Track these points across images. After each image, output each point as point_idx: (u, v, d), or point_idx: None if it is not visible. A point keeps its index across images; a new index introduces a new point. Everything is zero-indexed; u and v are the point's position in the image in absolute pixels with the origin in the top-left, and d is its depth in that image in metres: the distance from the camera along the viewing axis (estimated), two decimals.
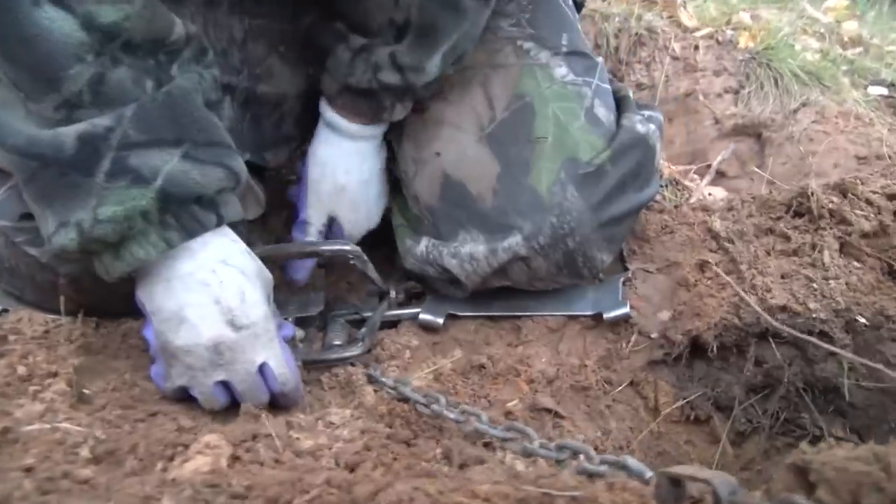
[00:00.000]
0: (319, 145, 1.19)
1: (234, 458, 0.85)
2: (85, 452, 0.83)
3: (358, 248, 1.14)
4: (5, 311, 1.12)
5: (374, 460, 0.92)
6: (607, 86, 1.17)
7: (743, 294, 0.92)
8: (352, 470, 0.91)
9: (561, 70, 1.12)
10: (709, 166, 1.53)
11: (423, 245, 1.15)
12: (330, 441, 0.94)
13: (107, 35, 0.85)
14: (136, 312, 0.99)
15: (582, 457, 0.75)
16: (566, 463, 0.77)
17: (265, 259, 1.13)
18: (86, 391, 1.03)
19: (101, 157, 0.84)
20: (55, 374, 0.98)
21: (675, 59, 2.04)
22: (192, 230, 0.91)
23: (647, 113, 1.18)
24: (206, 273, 0.93)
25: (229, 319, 0.93)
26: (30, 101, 0.86)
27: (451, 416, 0.93)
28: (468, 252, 1.09)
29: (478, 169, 1.10)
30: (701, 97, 1.92)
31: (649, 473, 0.68)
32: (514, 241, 1.06)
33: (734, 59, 1.93)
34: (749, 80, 1.86)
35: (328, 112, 1.15)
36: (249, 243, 1.28)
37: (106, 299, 1.05)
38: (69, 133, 0.84)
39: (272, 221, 1.38)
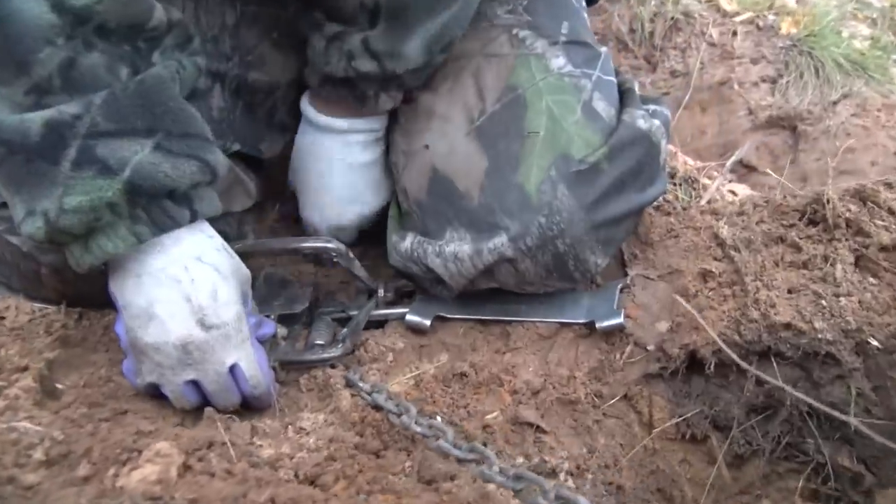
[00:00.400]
0: (303, 143, 1.17)
1: (186, 468, 0.82)
2: (38, 455, 0.81)
3: (342, 246, 1.10)
4: None
5: (336, 472, 0.88)
6: (611, 78, 1.09)
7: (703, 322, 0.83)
8: (311, 482, 0.87)
9: (558, 61, 1.05)
10: (730, 162, 1.43)
11: (409, 242, 1.10)
12: (293, 450, 0.91)
13: (78, 18, 0.82)
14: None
15: (536, 489, 0.69)
16: (523, 493, 0.72)
17: (245, 255, 1.10)
18: (59, 385, 1.02)
19: (66, 145, 0.82)
20: (25, 369, 0.97)
21: (711, 45, 1.95)
22: (163, 225, 0.88)
23: (651, 107, 1.10)
24: (178, 269, 0.90)
25: (199, 318, 0.90)
26: (1, 86, 0.83)
27: (418, 430, 0.88)
28: (453, 251, 1.04)
29: (466, 164, 1.04)
30: (736, 86, 1.82)
31: None
32: (500, 242, 1.00)
33: (774, 46, 1.82)
34: (788, 68, 1.75)
35: (309, 110, 1.14)
36: (241, 235, 1.26)
37: (89, 290, 1.03)
38: (35, 119, 0.81)
39: (268, 213, 1.35)
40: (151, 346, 0.90)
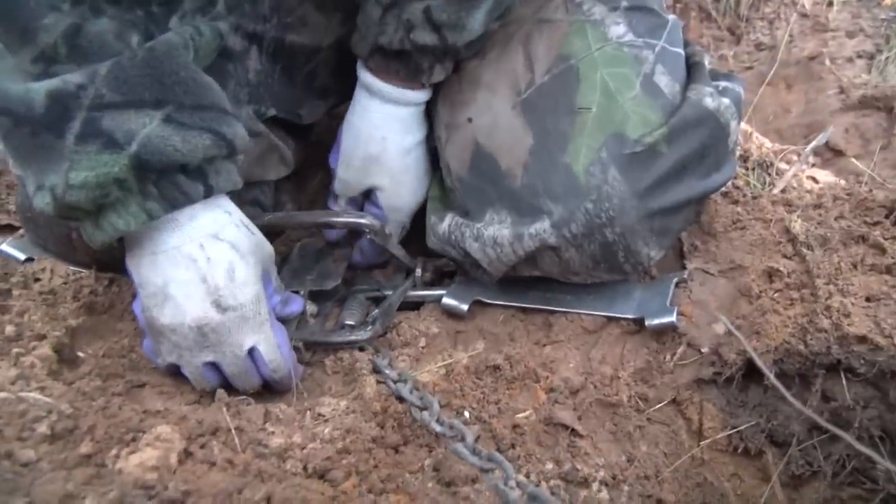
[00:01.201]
0: (354, 112, 1.07)
1: (187, 454, 0.78)
2: (42, 429, 0.79)
3: (377, 222, 1.03)
4: (30, 259, 1.09)
5: (349, 467, 0.83)
6: (678, 49, 0.98)
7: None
8: (320, 477, 0.82)
9: (618, 28, 0.94)
10: (811, 146, 1.30)
11: (447, 223, 1.02)
12: (305, 440, 0.86)
13: None
14: None
15: None
16: None
17: (275, 227, 1.05)
18: (79, 354, 0.99)
19: (71, 117, 0.77)
20: (44, 336, 0.95)
21: (803, 16, 1.79)
22: (176, 201, 0.83)
23: (722, 84, 0.99)
24: (194, 248, 0.86)
25: (215, 300, 0.86)
26: (10, 54, 0.80)
27: (438, 429, 0.82)
28: (492, 236, 0.96)
29: (509, 140, 0.95)
30: (828, 62, 1.67)
31: None
32: (542, 228, 0.92)
33: (874, 19, 1.66)
34: (889, 43, 1.59)
35: (365, 74, 1.03)
36: (278, 205, 1.21)
37: (117, 256, 1.00)
38: (39, 90, 0.77)
39: (308, 181, 1.29)
40: (168, 327, 0.87)
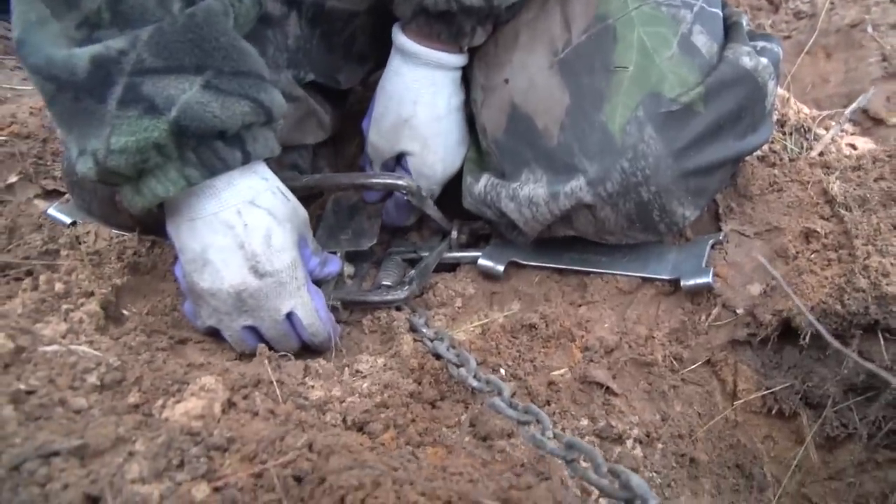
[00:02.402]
0: (387, 76, 1.07)
1: (230, 404, 0.81)
2: (92, 379, 0.81)
3: (414, 184, 1.04)
4: (74, 223, 1.12)
5: (387, 420, 0.85)
6: (716, 10, 0.97)
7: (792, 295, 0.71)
8: (359, 429, 0.84)
9: None
10: (850, 109, 1.27)
11: (483, 183, 1.03)
12: (344, 393, 0.88)
13: None
14: None
15: (586, 462, 0.63)
16: (574, 464, 0.65)
17: (312, 189, 1.06)
18: (124, 311, 1.02)
19: (113, 82, 0.78)
20: (91, 294, 0.98)
21: None
22: (214, 168, 0.85)
23: (760, 44, 0.98)
24: (231, 214, 0.87)
25: (252, 266, 0.88)
26: (55, 20, 0.81)
27: (475, 384, 0.83)
28: (527, 195, 0.96)
29: (546, 100, 0.96)
30: (870, 29, 1.63)
31: (654, 502, 0.55)
32: (577, 186, 0.92)
33: None
34: None
35: (400, 37, 1.03)
36: (315, 169, 1.22)
37: (159, 220, 1.02)
38: (82, 55, 0.78)
39: (346, 147, 1.31)
40: (207, 292, 0.89)
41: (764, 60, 0.94)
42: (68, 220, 1.13)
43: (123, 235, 1.11)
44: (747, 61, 0.92)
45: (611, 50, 0.93)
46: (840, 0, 1.74)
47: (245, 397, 0.81)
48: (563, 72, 0.95)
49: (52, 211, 1.15)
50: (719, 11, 0.98)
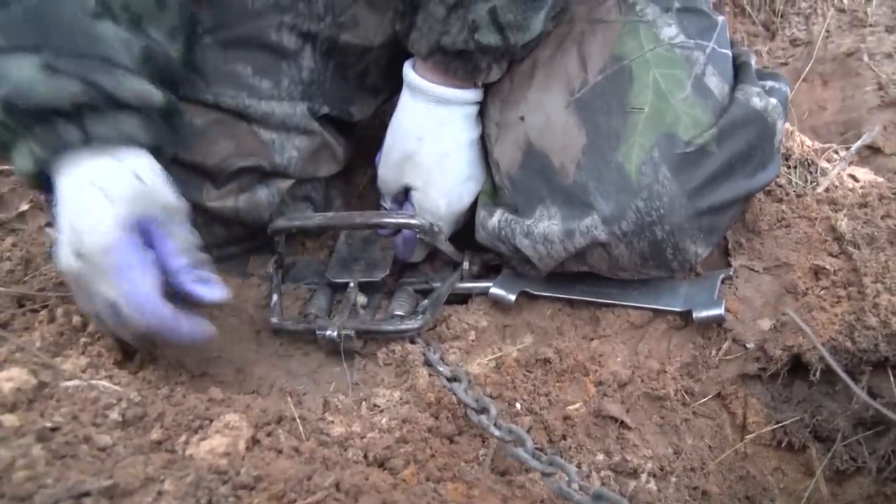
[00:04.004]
0: (396, 111, 1.08)
1: (254, 441, 0.81)
2: (114, 415, 0.82)
3: (425, 222, 1.04)
4: None
5: (407, 455, 0.86)
6: (726, 51, 1.00)
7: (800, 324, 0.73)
8: (381, 465, 0.85)
9: (670, 30, 0.96)
10: (856, 146, 1.31)
11: (497, 218, 1.04)
12: (364, 429, 0.89)
13: None
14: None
15: None
16: None
17: (326, 228, 1.07)
18: None
19: None
20: None
21: (840, 11, 1.78)
22: (54, 145, 0.85)
23: (769, 84, 1.00)
24: (70, 193, 0.86)
25: (76, 248, 0.85)
26: None
27: (497, 433, 0.84)
28: (542, 232, 0.98)
29: (563, 138, 0.97)
30: (866, 57, 1.67)
31: None
32: (592, 224, 0.94)
33: None
34: None
35: (409, 73, 1.04)
36: (328, 200, 1.23)
37: None
38: None
39: (357, 178, 1.32)
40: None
41: (773, 100, 0.96)
42: None
43: None
44: (757, 102, 0.95)
45: (627, 91, 0.95)
46: (836, 28, 1.78)
47: (269, 434, 0.82)
48: (580, 111, 0.96)
49: None
50: (729, 52, 1.01)
